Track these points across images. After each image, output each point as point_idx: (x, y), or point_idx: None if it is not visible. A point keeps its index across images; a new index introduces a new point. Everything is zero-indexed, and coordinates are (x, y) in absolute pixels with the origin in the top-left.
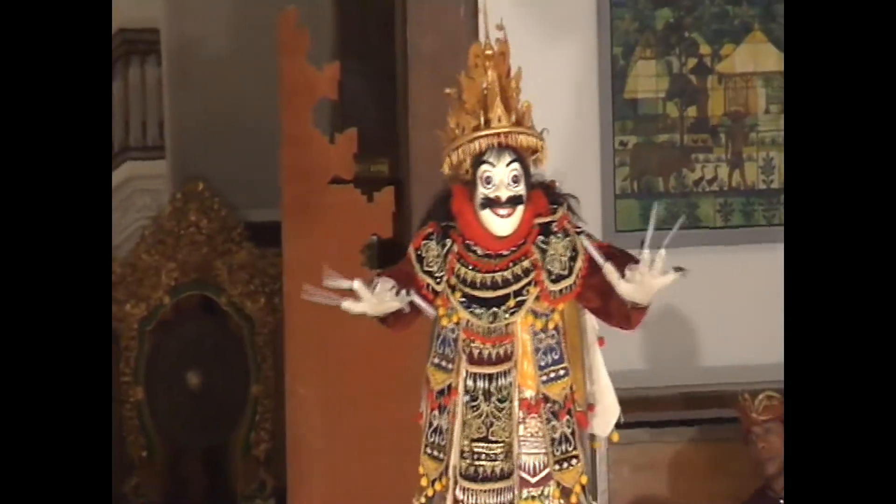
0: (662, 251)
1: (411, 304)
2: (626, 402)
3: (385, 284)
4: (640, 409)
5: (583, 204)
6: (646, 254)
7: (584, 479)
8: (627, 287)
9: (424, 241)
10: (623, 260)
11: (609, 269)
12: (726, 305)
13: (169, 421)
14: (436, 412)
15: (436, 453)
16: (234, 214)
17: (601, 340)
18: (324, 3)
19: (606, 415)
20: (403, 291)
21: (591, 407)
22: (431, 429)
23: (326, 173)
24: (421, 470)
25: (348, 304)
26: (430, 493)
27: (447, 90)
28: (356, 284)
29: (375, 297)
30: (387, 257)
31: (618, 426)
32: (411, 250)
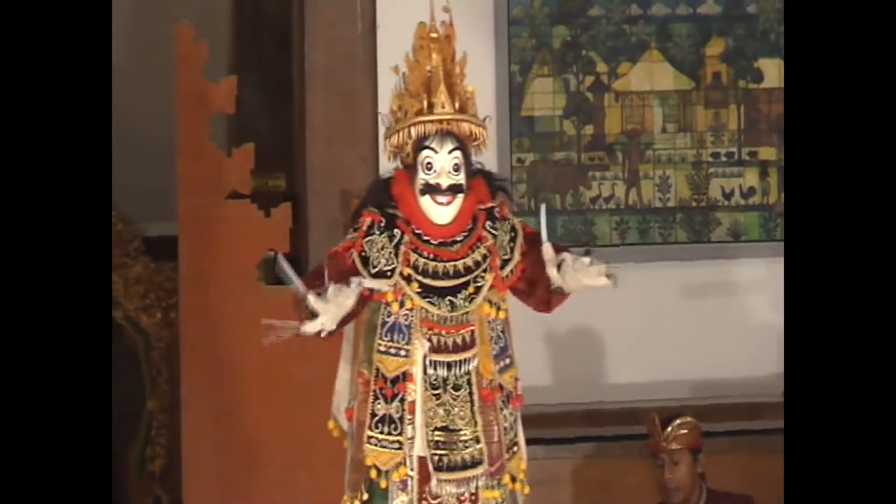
0: (603, 266)
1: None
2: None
3: (337, 290)
4: (537, 427)
5: None
6: (586, 259)
7: (523, 465)
8: (559, 275)
9: (367, 238)
10: (558, 246)
11: (547, 248)
12: (622, 323)
13: None
14: (381, 402)
15: (387, 443)
16: (130, 228)
17: None
18: (220, 16)
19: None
20: (354, 282)
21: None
22: (376, 419)
23: (223, 187)
24: (369, 461)
25: (308, 327)
26: (383, 484)
27: (390, 67)
28: (311, 299)
29: (333, 304)
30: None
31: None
32: (354, 253)
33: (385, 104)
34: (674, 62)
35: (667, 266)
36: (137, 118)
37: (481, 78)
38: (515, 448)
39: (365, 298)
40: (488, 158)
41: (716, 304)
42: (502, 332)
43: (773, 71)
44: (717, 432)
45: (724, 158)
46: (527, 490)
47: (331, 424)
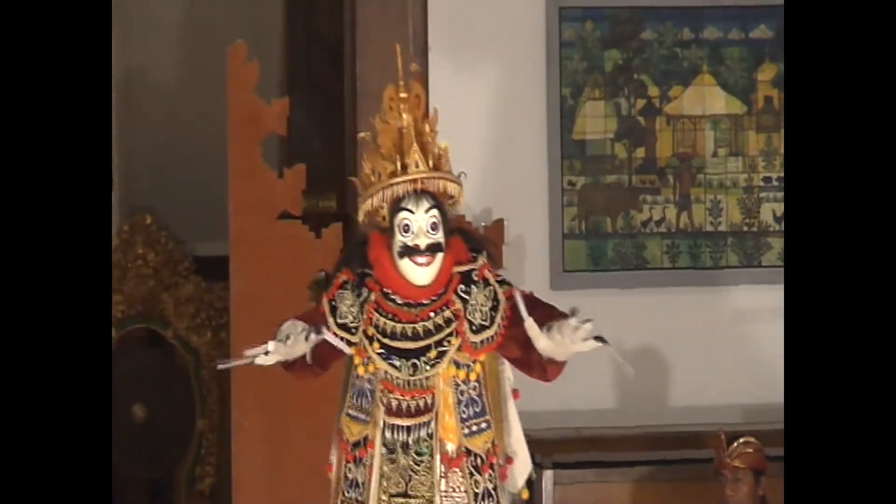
0: (589, 325)
1: (322, 352)
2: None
3: (294, 326)
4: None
5: (530, 243)
6: (573, 321)
7: None
8: (547, 343)
9: (339, 291)
10: (545, 312)
11: (531, 325)
12: (672, 347)
13: (113, 454)
14: (350, 465)
15: None
16: (181, 247)
17: (516, 393)
18: (273, 36)
19: (520, 469)
20: (313, 333)
21: (509, 460)
22: (347, 482)
23: (274, 208)
24: None
25: (262, 360)
26: None
27: (360, 134)
28: (271, 346)
29: (288, 347)
30: None
31: (528, 482)
32: (325, 301)
33: (438, 126)
34: (725, 86)
35: (718, 290)
36: (190, 138)
37: (532, 101)
38: None
39: (334, 351)
40: (540, 181)
41: (767, 329)
42: (479, 395)
43: None
44: (770, 457)
45: (775, 183)
46: None
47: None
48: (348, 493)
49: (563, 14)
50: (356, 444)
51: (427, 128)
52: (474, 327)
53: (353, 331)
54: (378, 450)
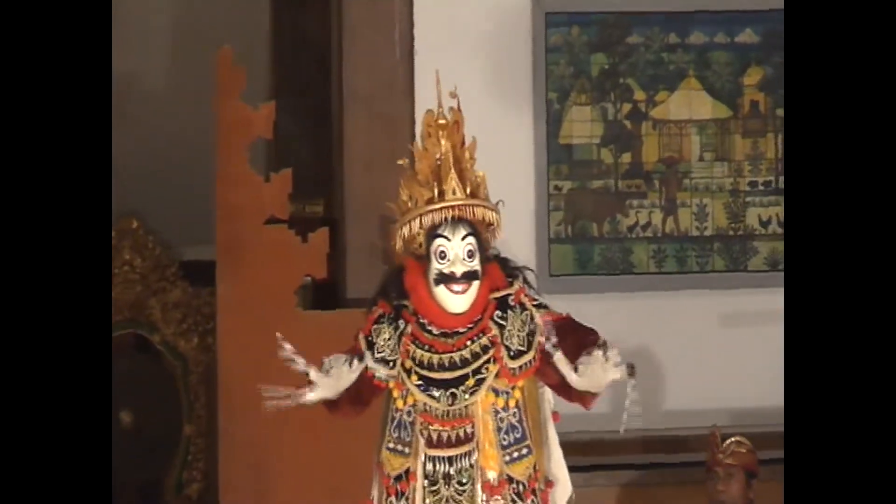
0: (615, 347)
1: (362, 388)
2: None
3: (337, 360)
4: (574, 454)
5: (517, 248)
6: (599, 354)
7: None
8: (579, 379)
9: (375, 325)
10: (578, 337)
11: (559, 358)
12: (658, 352)
13: None
14: (392, 498)
15: None
16: (168, 252)
17: (556, 415)
18: (260, 42)
19: (560, 493)
20: (356, 360)
21: (549, 484)
22: None
23: (261, 213)
24: None
25: (309, 396)
26: None
27: (399, 161)
28: (312, 374)
29: (332, 378)
30: (320, 298)
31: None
32: (361, 337)
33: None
34: (712, 91)
35: (704, 294)
36: (177, 142)
37: (519, 105)
38: None
39: (373, 385)
40: (526, 186)
41: (753, 333)
42: (518, 421)
43: None
44: (759, 460)
45: (761, 187)
46: None
47: None
48: None
49: (549, 19)
50: (398, 478)
51: (465, 155)
52: (512, 353)
53: (392, 364)
54: (420, 482)
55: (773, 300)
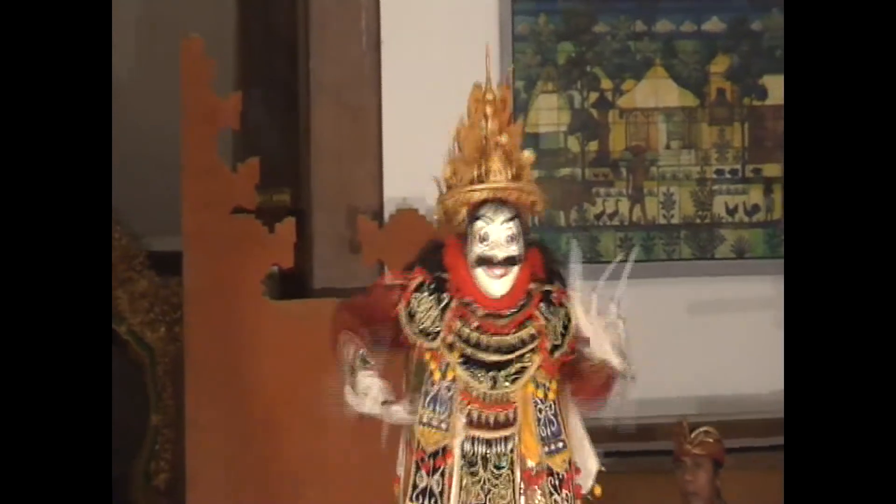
0: (594, 295)
1: (393, 336)
2: None
3: (369, 382)
4: None
5: None
6: (576, 297)
7: None
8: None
9: (416, 294)
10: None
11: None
12: (627, 339)
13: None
14: (423, 474)
15: None
16: (135, 243)
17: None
18: (227, 31)
19: (588, 470)
20: (368, 366)
21: (577, 471)
22: (416, 491)
23: (228, 203)
24: None
25: (366, 409)
26: None
27: (450, 132)
28: (361, 379)
29: (370, 398)
30: (288, 288)
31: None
32: (401, 306)
33: (391, 120)
34: (678, 79)
35: (671, 283)
36: (143, 132)
37: None
38: None
39: (400, 342)
40: None
41: (720, 321)
42: (554, 415)
43: (777, 88)
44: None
45: (728, 175)
46: None
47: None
48: (416, 501)
49: (516, 7)
50: (434, 454)
51: (511, 136)
52: (551, 347)
53: (433, 336)
54: (457, 461)
55: (739, 288)
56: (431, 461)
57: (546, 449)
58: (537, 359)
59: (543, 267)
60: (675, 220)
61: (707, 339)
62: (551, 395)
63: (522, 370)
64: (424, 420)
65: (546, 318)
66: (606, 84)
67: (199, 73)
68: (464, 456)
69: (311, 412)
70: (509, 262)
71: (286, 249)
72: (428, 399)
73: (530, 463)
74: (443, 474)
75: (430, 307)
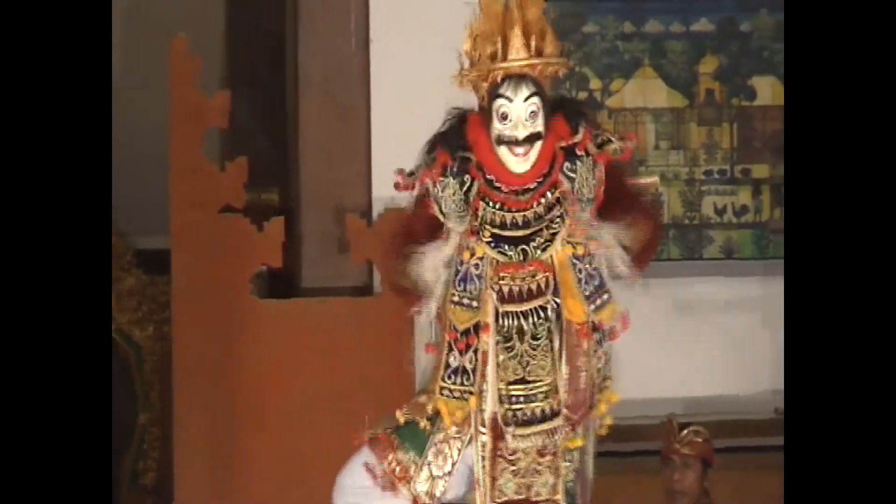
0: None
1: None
2: None
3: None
4: None
5: None
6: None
7: (615, 398)
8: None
9: (442, 178)
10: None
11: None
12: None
13: None
14: (455, 352)
15: (459, 393)
16: (123, 241)
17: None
18: (214, 30)
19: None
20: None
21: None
22: (449, 370)
23: (216, 201)
24: (444, 409)
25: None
26: (451, 431)
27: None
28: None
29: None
30: (276, 287)
31: None
32: (429, 183)
33: (380, 119)
34: (667, 79)
35: (659, 283)
36: (131, 131)
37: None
38: (608, 382)
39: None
40: None
41: (708, 322)
42: (594, 269)
43: (766, 89)
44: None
45: (716, 176)
46: (608, 421)
47: (398, 415)
48: (449, 380)
49: None
50: (466, 332)
51: (533, 9)
52: (583, 203)
53: (460, 220)
54: (492, 337)
55: (727, 289)
56: (465, 339)
57: (593, 305)
58: (565, 224)
59: (569, 126)
60: (663, 221)
61: (694, 339)
62: (590, 248)
63: (553, 237)
64: (455, 299)
65: (570, 178)
66: (595, 84)
67: (187, 72)
68: (498, 331)
69: (298, 410)
70: (532, 139)
71: (274, 248)
72: (458, 279)
73: (575, 327)
74: (475, 351)
75: (454, 192)
